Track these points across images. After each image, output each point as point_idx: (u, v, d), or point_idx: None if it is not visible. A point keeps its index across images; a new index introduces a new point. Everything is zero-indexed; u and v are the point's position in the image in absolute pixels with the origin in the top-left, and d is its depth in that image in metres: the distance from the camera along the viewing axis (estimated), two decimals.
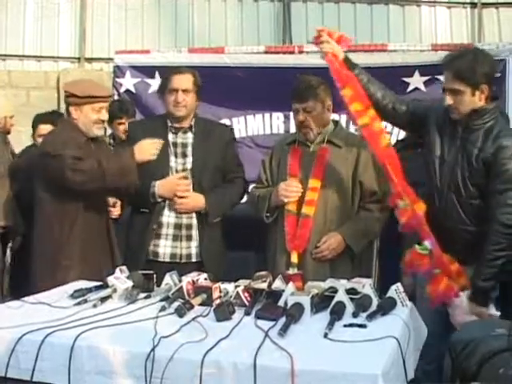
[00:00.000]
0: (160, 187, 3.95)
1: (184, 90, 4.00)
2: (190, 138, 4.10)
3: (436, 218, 3.35)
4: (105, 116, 3.88)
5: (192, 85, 4.04)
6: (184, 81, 4.02)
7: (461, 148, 3.32)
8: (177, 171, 4.03)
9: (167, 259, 3.95)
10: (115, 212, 4.24)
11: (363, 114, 3.46)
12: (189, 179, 3.99)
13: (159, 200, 3.97)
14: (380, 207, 3.72)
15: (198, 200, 3.99)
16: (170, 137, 4.07)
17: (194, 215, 4.00)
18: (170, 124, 4.08)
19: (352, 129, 4.89)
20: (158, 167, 3.95)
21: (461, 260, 3.30)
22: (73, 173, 3.64)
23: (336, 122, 3.98)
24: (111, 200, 4.14)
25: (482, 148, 3.25)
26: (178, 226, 4.00)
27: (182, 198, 3.96)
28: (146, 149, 3.78)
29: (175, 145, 4.07)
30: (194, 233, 4.01)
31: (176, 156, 4.05)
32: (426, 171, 3.49)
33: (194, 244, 4.00)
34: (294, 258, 3.67)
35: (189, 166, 4.05)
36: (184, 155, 4.07)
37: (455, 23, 8.31)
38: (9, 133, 5.54)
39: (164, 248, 3.98)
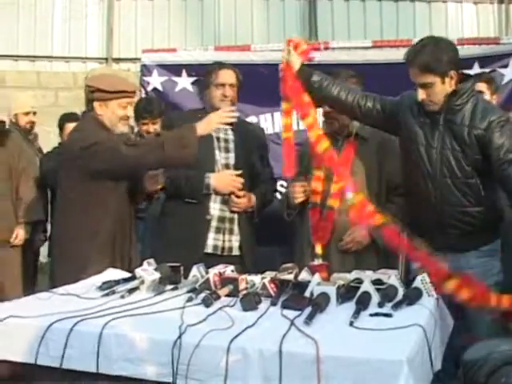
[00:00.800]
0: (215, 180, 3.99)
1: (231, 85, 4.08)
2: (230, 134, 4.18)
3: (432, 206, 3.36)
4: (131, 112, 3.86)
5: (236, 80, 4.12)
6: (230, 75, 4.11)
7: (446, 131, 3.31)
8: (221, 165, 4.08)
9: (209, 250, 4.00)
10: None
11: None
12: (241, 179, 4.03)
13: (211, 192, 4.01)
14: (403, 200, 3.71)
15: (251, 200, 4.08)
16: (212, 132, 4.05)
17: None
18: None
19: None
20: (205, 160, 3.98)
21: (458, 249, 3.32)
22: (128, 147, 3.54)
23: None
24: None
25: (471, 125, 3.26)
26: (221, 219, 4.05)
27: (238, 196, 4.02)
28: (215, 119, 3.65)
29: (218, 139, 4.13)
30: (236, 227, 4.08)
31: (220, 150, 4.12)
32: (405, 162, 3.50)
33: (236, 238, 4.07)
34: (319, 250, 3.70)
35: (231, 161, 4.12)
36: (227, 150, 4.14)
37: (482, 19, 8.26)
38: (29, 130, 5.61)
39: (207, 240, 4.02)
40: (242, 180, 4.02)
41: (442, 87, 3.26)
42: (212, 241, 4.02)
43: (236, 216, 4.07)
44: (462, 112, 3.28)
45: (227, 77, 4.08)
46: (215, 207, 4.04)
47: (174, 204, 4.10)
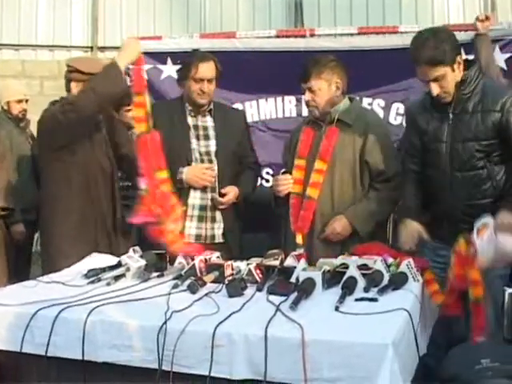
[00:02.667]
0: (187, 175, 3.96)
1: (209, 80, 4.04)
2: (209, 121, 4.15)
3: (444, 200, 3.36)
4: None
5: (215, 72, 4.08)
6: (209, 70, 4.05)
7: (457, 123, 3.32)
8: (200, 154, 4.05)
9: (192, 240, 3.94)
10: None
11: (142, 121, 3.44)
12: (215, 171, 4.01)
13: (186, 186, 3.97)
14: (389, 186, 3.69)
15: (235, 193, 4.04)
16: (190, 120, 4.11)
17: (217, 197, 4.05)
18: (189, 107, 4.11)
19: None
20: (181, 150, 3.98)
21: None
22: (63, 114, 3.55)
23: (351, 99, 3.91)
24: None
25: (484, 109, 3.26)
26: (203, 208, 4.03)
27: (223, 195, 3.99)
28: (132, 46, 3.60)
29: (196, 127, 4.11)
30: (218, 214, 4.05)
31: (198, 138, 4.09)
32: (424, 161, 3.50)
33: (218, 225, 4.05)
34: (299, 240, 3.69)
35: (212, 148, 4.09)
36: (206, 137, 4.11)
37: (468, 5, 8.25)
38: (20, 118, 5.57)
39: (189, 229, 3.99)
40: (214, 173, 4.00)
41: (452, 75, 3.25)
42: (195, 230, 4.00)
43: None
44: (473, 99, 3.29)
45: (206, 72, 4.03)
46: (196, 196, 4.01)
47: None
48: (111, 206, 3.82)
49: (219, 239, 4.05)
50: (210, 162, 4.06)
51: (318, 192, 3.70)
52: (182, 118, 4.09)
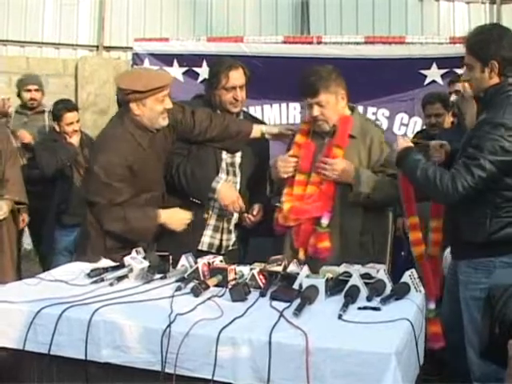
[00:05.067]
0: (221, 191, 3.81)
1: (240, 87, 3.91)
2: None
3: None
4: (169, 104, 3.61)
5: (245, 78, 3.94)
6: (240, 76, 3.91)
7: None
8: (226, 164, 3.93)
9: (205, 248, 3.88)
10: None
11: None
12: (242, 205, 3.86)
13: (215, 197, 3.83)
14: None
15: (261, 213, 3.94)
16: None
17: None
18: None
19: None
20: (214, 157, 3.89)
21: (456, 254, 3.27)
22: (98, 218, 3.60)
23: (352, 109, 3.83)
24: None
25: None
26: (220, 218, 3.94)
27: (253, 215, 3.90)
28: (178, 219, 3.70)
29: None
30: (232, 227, 3.97)
31: None
32: None
33: (232, 236, 3.98)
34: (302, 255, 3.57)
35: (238, 160, 3.99)
36: None
37: (473, 18, 8.26)
38: (31, 108, 5.60)
39: (203, 237, 3.91)
40: (243, 205, 3.85)
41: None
42: (208, 238, 3.92)
43: (236, 215, 3.95)
44: None
45: (237, 79, 3.88)
46: (215, 205, 3.91)
47: (173, 201, 3.91)
48: None
49: (231, 247, 3.99)
50: (235, 172, 3.96)
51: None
52: None
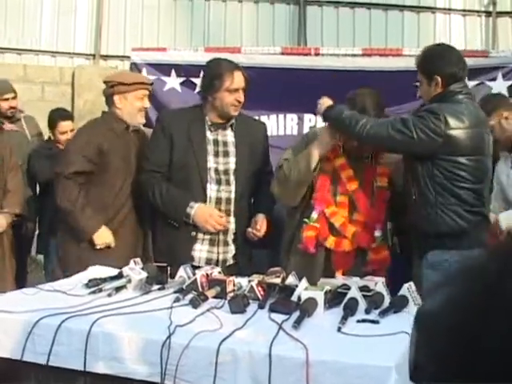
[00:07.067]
0: (196, 216, 3.70)
1: (243, 89, 3.79)
2: (230, 135, 3.87)
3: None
4: (147, 104, 4.08)
5: (246, 82, 3.83)
6: (243, 79, 3.80)
7: None
8: (217, 172, 3.78)
9: (202, 264, 3.70)
10: None
11: None
12: (224, 218, 3.74)
13: (192, 223, 3.73)
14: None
15: (266, 223, 3.82)
16: (209, 134, 3.82)
17: (232, 220, 3.82)
18: (209, 121, 3.82)
19: None
20: (197, 167, 3.75)
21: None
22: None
23: None
24: None
25: None
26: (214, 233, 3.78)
27: (257, 230, 3.77)
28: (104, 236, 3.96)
29: (216, 143, 3.84)
30: (230, 238, 3.83)
31: (217, 155, 3.81)
32: None
33: (230, 249, 3.84)
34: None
35: (232, 166, 3.82)
36: (226, 154, 3.83)
37: (470, 31, 8.31)
38: (9, 117, 5.51)
39: (199, 252, 3.78)
40: (225, 223, 3.74)
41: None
42: (205, 253, 3.79)
43: (232, 227, 3.82)
44: None
45: (241, 81, 3.78)
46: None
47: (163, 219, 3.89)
48: None
49: (230, 262, 3.84)
50: (228, 181, 3.80)
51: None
52: (201, 131, 3.81)
